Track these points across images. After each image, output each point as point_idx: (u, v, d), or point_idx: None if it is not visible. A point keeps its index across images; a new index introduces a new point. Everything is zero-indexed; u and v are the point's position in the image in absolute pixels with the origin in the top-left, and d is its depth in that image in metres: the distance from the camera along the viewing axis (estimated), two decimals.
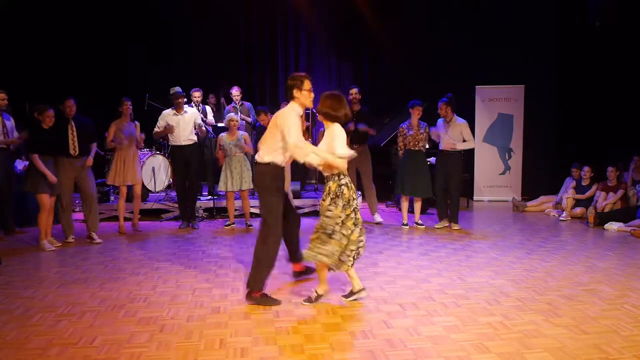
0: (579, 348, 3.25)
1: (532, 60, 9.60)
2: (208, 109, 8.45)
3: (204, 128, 7.19)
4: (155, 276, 4.86)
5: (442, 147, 6.94)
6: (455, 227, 7.02)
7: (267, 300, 4.07)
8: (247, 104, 8.58)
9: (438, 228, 7.07)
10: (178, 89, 6.94)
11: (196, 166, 7.11)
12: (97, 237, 6.31)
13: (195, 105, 8.24)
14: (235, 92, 8.47)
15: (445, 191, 7.04)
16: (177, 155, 6.98)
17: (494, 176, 9.96)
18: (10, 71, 8.09)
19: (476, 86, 9.86)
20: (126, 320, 3.74)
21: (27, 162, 7.43)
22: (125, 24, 9.38)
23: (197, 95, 8.20)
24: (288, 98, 4.17)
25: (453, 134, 6.86)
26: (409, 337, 3.44)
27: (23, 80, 8.47)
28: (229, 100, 8.74)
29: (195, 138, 7.05)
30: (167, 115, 6.90)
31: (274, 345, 3.33)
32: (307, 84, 4.07)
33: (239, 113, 8.12)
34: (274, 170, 4.12)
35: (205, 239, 6.52)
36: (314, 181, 9.18)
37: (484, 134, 9.95)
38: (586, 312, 3.88)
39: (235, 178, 6.92)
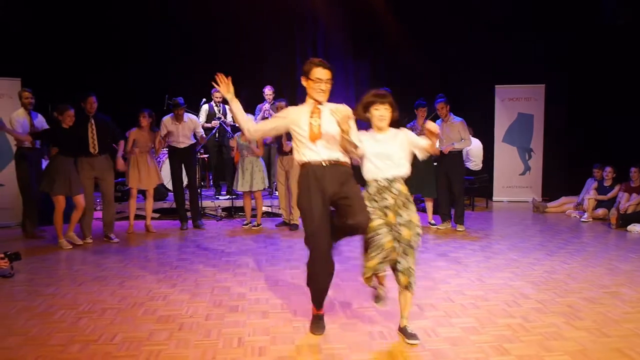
0: (601, 351, 3.20)
1: (552, 59, 9.47)
2: (228, 108, 8.51)
3: (203, 135, 7.32)
4: (174, 275, 4.91)
5: (440, 148, 6.90)
6: (461, 228, 6.93)
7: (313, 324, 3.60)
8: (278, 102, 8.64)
9: (441, 229, 7.00)
10: (180, 99, 6.99)
11: (194, 167, 7.28)
12: (114, 237, 6.40)
13: (216, 105, 8.31)
14: (268, 91, 8.54)
15: (449, 192, 6.97)
16: (175, 156, 7.11)
17: (514, 177, 9.85)
18: (34, 72, 8.22)
19: (495, 85, 9.76)
20: (146, 318, 3.79)
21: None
22: (145, 25, 9.48)
23: (218, 95, 8.28)
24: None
25: (451, 134, 6.81)
26: (427, 338, 3.42)
27: (45, 80, 8.62)
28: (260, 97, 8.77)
29: (192, 141, 7.15)
30: (167, 122, 7.00)
31: (291, 344, 3.34)
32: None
33: (271, 112, 8.25)
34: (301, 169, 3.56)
35: (223, 238, 6.56)
36: None
37: (503, 134, 9.84)
38: (608, 315, 3.82)
39: (246, 179, 6.95)
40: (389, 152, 3.43)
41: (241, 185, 6.99)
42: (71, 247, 6.01)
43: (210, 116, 8.30)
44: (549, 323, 3.66)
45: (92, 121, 6.27)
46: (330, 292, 4.33)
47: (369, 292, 4.34)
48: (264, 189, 7.15)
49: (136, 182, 6.81)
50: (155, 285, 4.59)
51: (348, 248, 5.91)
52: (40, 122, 6.74)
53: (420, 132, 6.88)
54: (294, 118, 3.49)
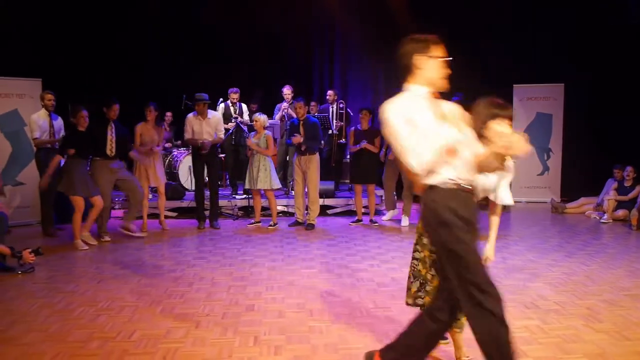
0: (621, 355, 3.15)
1: (571, 58, 9.35)
2: (244, 107, 8.53)
3: (222, 135, 7.27)
4: (191, 273, 4.94)
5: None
6: None
7: None
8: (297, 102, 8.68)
9: None
10: (203, 95, 7.01)
11: (217, 167, 7.32)
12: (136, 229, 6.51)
13: (232, 104, 8.34)
14: (287, 90, 8.56)
15: None
16: (198, 156, 7.08)
17: (532, 177, 9.75)
18: (54, 73, 8.34)
19: (514, 85, 9.66)
20: (163, 316, 3.82)
21: None
22: (161, 27, 9.58)
23: (234, 96, 8.30)
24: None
25: None
26: (444, 339, 3.39)
27: (65, 81, 8.74)
28: (278, 96, 8.79)
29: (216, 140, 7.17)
30: (191, 119, 7.03)
31: (307, 344, 3.34)
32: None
33: (290, 111, 8.30)
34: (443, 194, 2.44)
35: (240, 237, 6.59)
36: (347, 180, 9.14)
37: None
38: (628, 317, 3.76)
39: (252, 177, 6.95)
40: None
41: (247, 184, 7.03)
42: (87, 248, 5.97)
43: (227, 116, 8.32)
44: (568, 325, 3.62)
45: (112, 125, 6.31)
46: (346, 293, 4.35)
47: (384, 293, 4.33)
48: (275, 188, 7.13)
49: (144, 180, 6.81)
50: (172, 283, 4.63)
51: (364, 248, 5.91)
52: (59, 124, 6.85)
53: None
54: (415, 117, 2.42)
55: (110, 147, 6.29)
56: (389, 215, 7.62)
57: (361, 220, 7.32)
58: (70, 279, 4.77)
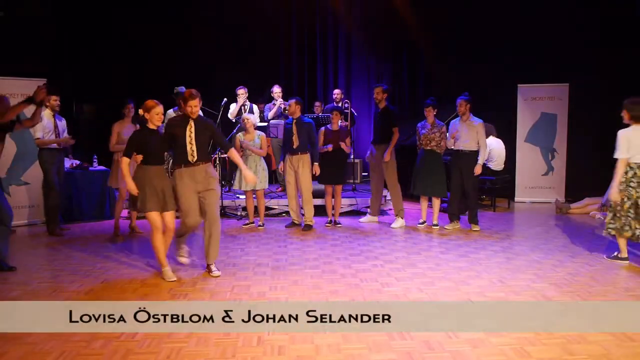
0: (625, 356, 3.14)
1: (577, 57, 9.32)
2: (255, 108, 8.47)
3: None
4: (194, 273, 4.95)
5: (456, 147, 6.81)
6: (476, 228, 6.84)
7: None
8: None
9: (449, 229, 6.90)
10: (181, 88, 6.80)
11: None
12: (215, 270, 4.93)
13: (242, 104, 8.29)
14: (277, 89, 8.50)
15: (462, 191, 6.87)
16: None
17: (537, 177, 9.72)
18: (59, 73, 8.37)
19: (518, 84, 9.64)
20: None
21: (75, 161, 7.72)
22: (163, 26, 9.61)
23: (241, 92, 8.23)
24: None
25: (469, 134, 6.71)
26: (448, 339, 3.40)
27: (70, 81, 8.77)
28: (270, 99, 8.75)
29: None
30: (170, 114, 6.86)
31: (310, 344, 3.34)
32: None
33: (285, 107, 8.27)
34: None
35: (243, 237, 6.59)
36: (350, 180, 9.11)
37: (526, 133, 9.72)
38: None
39: None
40: None
41: (243, 185, 6.84)
42: (175, 279, 4.73)
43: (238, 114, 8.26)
44: (572, 326, 3.61)
45: (192, 123, 4.81)
46: (350, 292, 4.35)
47: (388, 293, 4.33)
48: (266, 188, 7.12)
49: (115, 181, 6.60)
50: (176, 283, 4.64)
51: (367, 248, 5.91)
52: (63, 125, 6.86)
53: (429, 131, 6.82)
54: None
55: (191, 150, 4.78)
56: (397, 223, 7.14)
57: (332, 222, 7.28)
58: (74, 279, 4.79)
